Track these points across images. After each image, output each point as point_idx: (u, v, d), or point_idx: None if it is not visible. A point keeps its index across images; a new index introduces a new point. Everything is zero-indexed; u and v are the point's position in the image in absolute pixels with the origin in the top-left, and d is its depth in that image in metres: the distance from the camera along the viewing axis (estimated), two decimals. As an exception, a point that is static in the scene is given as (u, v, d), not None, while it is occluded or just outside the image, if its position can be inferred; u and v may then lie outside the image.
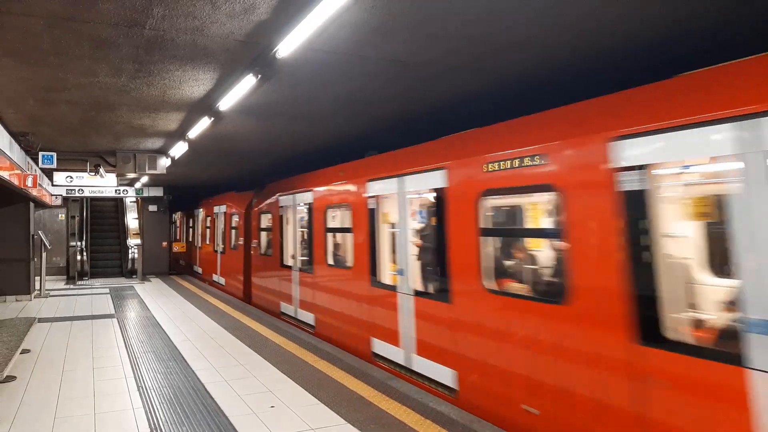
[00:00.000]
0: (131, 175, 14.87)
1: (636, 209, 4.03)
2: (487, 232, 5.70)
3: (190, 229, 22.23)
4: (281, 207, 11.70)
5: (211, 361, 7.58)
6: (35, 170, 11.67)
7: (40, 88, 6.53)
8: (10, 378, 6.78)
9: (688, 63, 5.31)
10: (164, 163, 11.99)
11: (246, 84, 6.02)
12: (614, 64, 5.58)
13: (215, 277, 17.86)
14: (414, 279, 7.03)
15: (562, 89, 6.45)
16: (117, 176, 14.97)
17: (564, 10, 4.26)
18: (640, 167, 4.00)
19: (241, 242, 15.04)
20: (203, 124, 8.36)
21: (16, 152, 9.39)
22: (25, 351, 8.16)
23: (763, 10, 4.31)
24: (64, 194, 17.74)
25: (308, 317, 10.15)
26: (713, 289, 4.85)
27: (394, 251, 7.64)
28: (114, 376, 6.94)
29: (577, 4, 4.16)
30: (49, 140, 10.18)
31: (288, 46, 4.77)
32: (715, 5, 4.22)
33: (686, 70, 4.03)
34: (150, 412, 5.58)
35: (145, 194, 19.95)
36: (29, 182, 10.30)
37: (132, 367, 7.35)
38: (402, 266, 7.12)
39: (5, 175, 8.46)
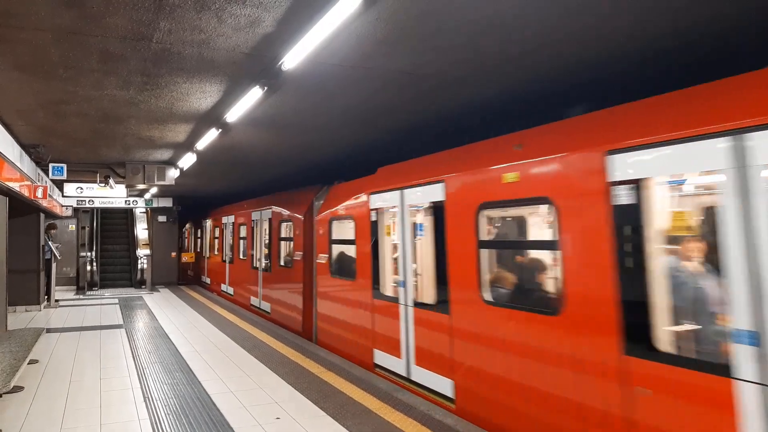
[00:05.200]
0: (140, 186, 14.99)
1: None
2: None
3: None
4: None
5: (217, 372, 7.58)
6: (45, 181, 11.78)
7: (50, 101, 6.61)
8: (18, 388, 6.80)
9: (701, 69, 5.29)
10: (173, 174, 12.07)
11: (253, 96, 6.06)
12: (624, 72, 5.55)
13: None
14: None
15: (570, 99, 6.43)
16: (126, 187, 15.07)
17: (572, 19, 4.26)
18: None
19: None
20: (211, 135, 8.41)
21: (26, 164, 9.49)
22: (32, 361, 8.20)
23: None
24: (75, 205, 17.86)
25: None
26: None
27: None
28: (121, 386, 6.96)
29: (586, 14, 4.16)
30: (59, 152, 10.29)
31: (293, 58, 4.81)
32: (731, 11, 4.19)
33: (700, 76, 4.08)
34: (155, 423, 5.58)
35: (155, 205, 20.06)
36: (39, 193, 10.38)
37: (139, 377, 7.36)
38: None
39: (15, 186, 8.55)
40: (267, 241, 13.43)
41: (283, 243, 12.49)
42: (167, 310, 14.18)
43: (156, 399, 6.41)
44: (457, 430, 5.29)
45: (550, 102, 6.61)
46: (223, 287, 17.90)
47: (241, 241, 15.99)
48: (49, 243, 15.33)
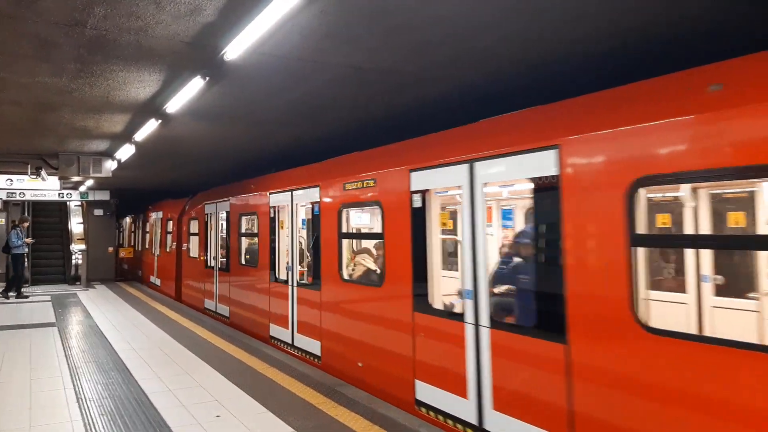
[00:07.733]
0: (75, 178, 14.41)
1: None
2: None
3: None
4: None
5: (155, 371, 7.37)
6: (-29, 172, 11.16)
7: (-23, 87, 6.26)
8: (-62, 391, 6.43)
9: (643, 70, 5.49)
10: (110, 166, 11.64)
11: (194, 86, 5.92)
12: (564, 71, 5.72)
13: None
14: None
15: (517, 96, 6.57)
16: (60, 179, 14.46)
17: (521, 23, 4.37)
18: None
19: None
20: (150, 126, 8.16)
21: (-51, 153, 8.96)
22: (-44, 362, 7.76)
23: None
24: (4, 198, 17.01)
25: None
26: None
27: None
28: (52, 387, 6.66)
29: (539, 21, 4.31)
30: (-13, 141, 9.77)
31: (236, 49, 4.71)
32: (669, 15, 4.36)
33: (641, 76, 4.26)
34: (88, 425, 5.38)
35: (91, 198, 19.30)
36: (-36, 185, 9.82)
37: (72, 378, 7.07)
38: None
39: (-63, 177, 8.06)
40: None
41: None
42: (103, 307, 13.68)
43: (89, 399, 6.18)
44: (399, 422, 5.33)
45: (501, 98, 6.72)
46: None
47: None
48: (20, 236, 15.47)
